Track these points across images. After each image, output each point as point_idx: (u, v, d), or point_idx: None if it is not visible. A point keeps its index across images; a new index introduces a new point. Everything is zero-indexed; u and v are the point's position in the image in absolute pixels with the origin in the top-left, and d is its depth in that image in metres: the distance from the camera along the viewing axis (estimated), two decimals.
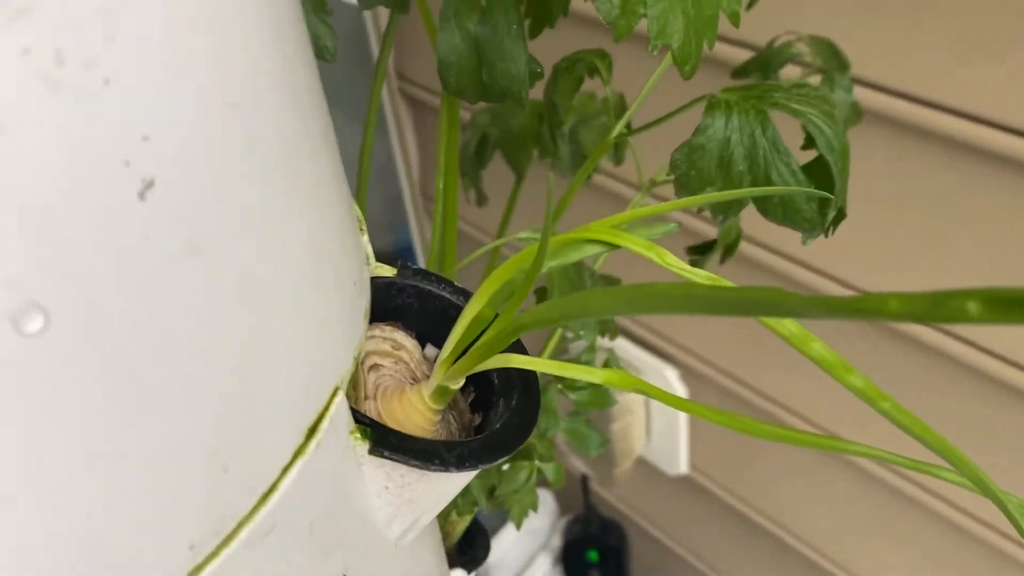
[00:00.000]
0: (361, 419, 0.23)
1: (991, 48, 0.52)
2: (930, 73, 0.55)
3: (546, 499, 1.17)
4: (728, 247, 0.46)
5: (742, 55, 0.65)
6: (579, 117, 0.49)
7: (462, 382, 0.26)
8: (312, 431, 0.21)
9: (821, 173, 0.32)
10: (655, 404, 0.96)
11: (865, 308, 0.15)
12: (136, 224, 0.15)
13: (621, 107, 0.45)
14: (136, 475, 0.17)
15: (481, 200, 0.62)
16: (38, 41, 0.13)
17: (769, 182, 0.32)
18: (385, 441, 0.23)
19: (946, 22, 0.54)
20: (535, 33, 0.35)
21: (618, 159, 0.52)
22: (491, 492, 0.43)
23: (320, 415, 0.21)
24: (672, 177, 0.33)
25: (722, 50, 0.66)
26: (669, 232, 0.25)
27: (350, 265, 0.23)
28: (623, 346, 0.93)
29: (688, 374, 0.90)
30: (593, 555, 1.08)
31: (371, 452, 0.23)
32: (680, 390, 0.92)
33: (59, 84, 0.14)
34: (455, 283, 0.29)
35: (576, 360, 0.44)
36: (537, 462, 0.43)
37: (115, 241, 0.15)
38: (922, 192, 0.59)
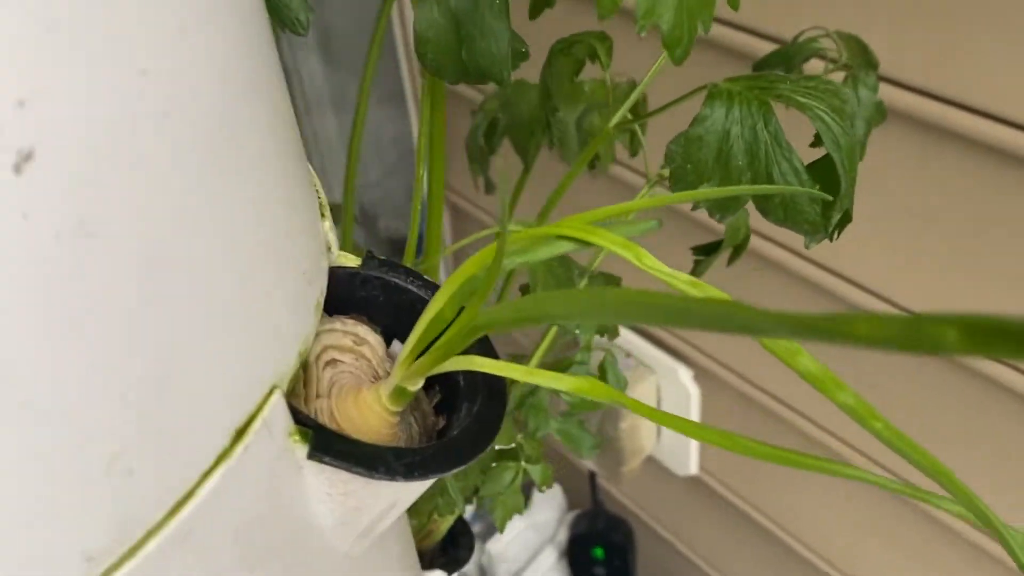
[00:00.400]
0: (304, 420, 0.22)
1: None
2: (971, 76, 0.53)
3: (554, 493, 1.16)
4: (736, 247, 0.43)
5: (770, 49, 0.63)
6: (589, 104, 0.47)
7: (421, 383, 0.24)
8: (240, 433, 0.19)
9: (827, 172, 0.30)
10: (666, 403, 0.94)
11: (833, 330, 0.13)
12: (11, 202, 0.14)
13: (628, 93, 0.43)
14: (17, 476, 0.15)
15: (489, 187, 0.60)
16: None
17: (770, 179, 0.30)
18: (326, 446, 0.21)
19: (994, 24, 0.51)
20: (535, 14, 0.33)
21: (633, 149, 0.50)
22: (475, 492, 0.42)
23: (251, 416, 0.20)
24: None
25: (750, 42, 0.63)
26: (650, 230, 0.23)
27: (296, 253, 0.21)
28: (637, 344, 0.91)
29: (702, 374, 0.88)
30: (599, 552, 1.06)
31: (310, 457, 0.21)
32: (694, 391, 0.90)
33: None
34: (424, 276, 0.27)
35: (570, 360, 0.42)
36: (524, 463, 0.41)
37: None
38: (957, 198, 0.56)
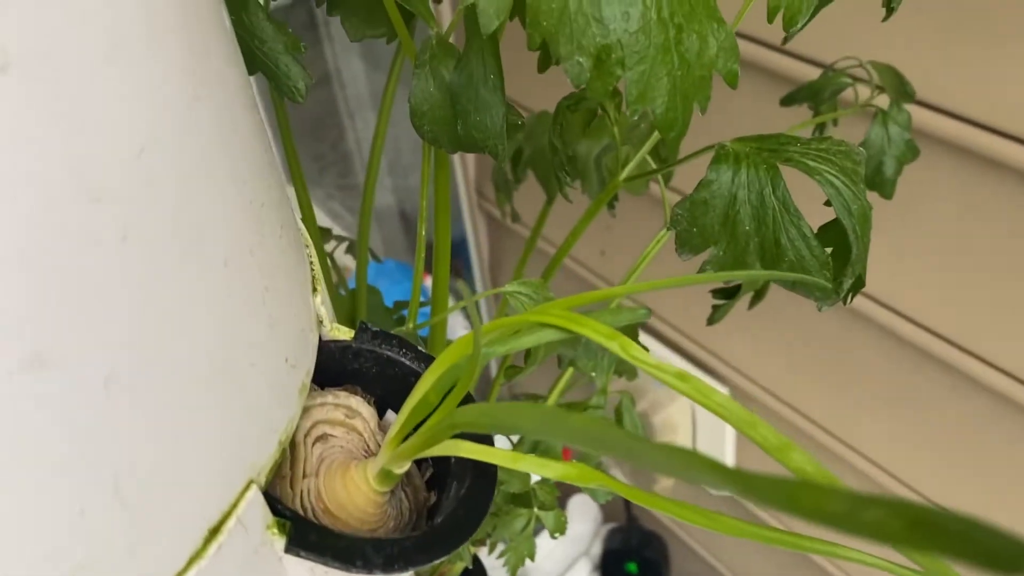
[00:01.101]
0: (281, 511, 0.22)
1: None
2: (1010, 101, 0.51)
3: (590, 505, 1.15)
4: (757, 292, 0.42)
5: (810, 72, 0.61)
6: (606, 143, 0.46)
7: (407, 466, 0.24)
8: (214, 532, 0.19)
9: (837, 237, 0.29)
10: (701, 420, 0.93)
11: (777, 497, 0.13)
12: None
13: (647, 135, 0.42)
14: None
15: (515, 217, 0.60)
16: None
17: (778, 245, 0.29)
18: (303, 539, 0.21)
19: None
20: (543, 67, 0.32)
21: (637, 189, 0.49)
22: (487, 536, 0.42)
23: (225, 515, 0.20)
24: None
25: (790, 65, 0.62)
26: (638, 319, 0.23)
27: (278, 342, 0.21)
28: (672, 361, 0.90)
29: (737, 393, 0.87)
30: (632, 567, 1.05)
31: (286, 551, 0.21)
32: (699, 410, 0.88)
33: None
34: (418, 348, 0.27)
35: (586, 403, 0.42)
36: (536, 510, 0.41)
37: None
38: (992, 225, 0.54)
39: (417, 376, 0.26)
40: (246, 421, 0.20)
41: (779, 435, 0.22)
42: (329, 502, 0.24)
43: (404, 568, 0.22)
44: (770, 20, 0.24)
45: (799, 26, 0.25)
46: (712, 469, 0.13)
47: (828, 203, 0.30)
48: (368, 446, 0.26)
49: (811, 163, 0.29)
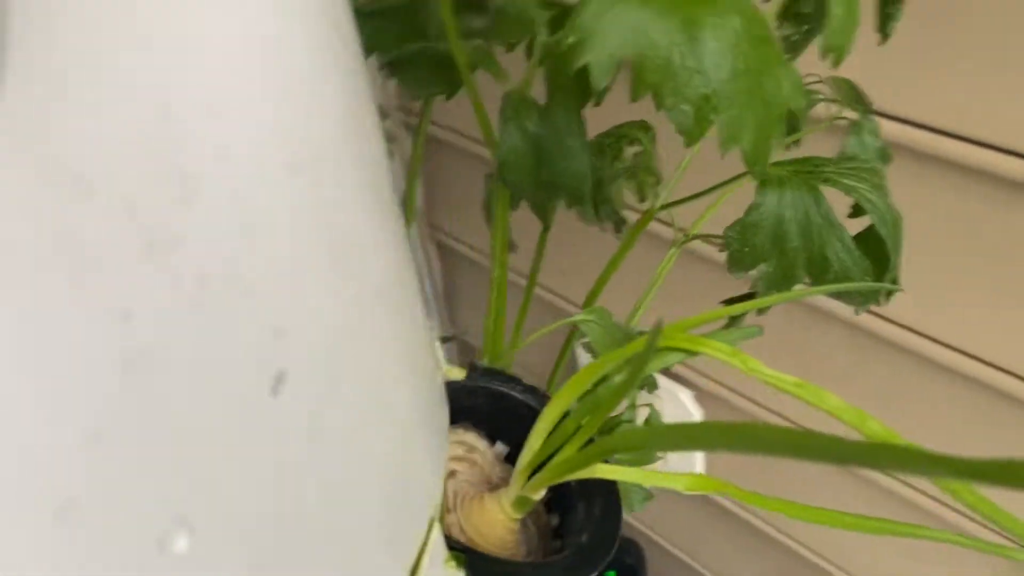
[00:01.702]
0: (453, 544, 0.23)
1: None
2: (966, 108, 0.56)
3: None
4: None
5: None
6: (613, 170, 0.49)
7: (544, 492, 0.26)
8: (413, 573, 0.21)
9: (875, 245, 0.32)
10: (671, 420, 0.96)
11: (1007, 475, 0.15)
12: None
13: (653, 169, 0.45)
14: None
15: (512, 246, 0.62)
16: (186, 266, 0.13)
17: (824, 257, 0.32)
18: (477, 569, 0.23)
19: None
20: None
21: (641, 198, 0.52)
22: None
23: (420, 553, 0.21)
24: (699, 232, 0.33)
25: None
26: (752, 336, 0.25)
27: (436, 391, 0.23)
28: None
29: (702, 395, 0.91)
30: (611, 574, 1.08)
31: None
32: (695, 412, 0.92)
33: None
34: (523, 381, 0.28)
35: (619, 418, 0.44)
36: None
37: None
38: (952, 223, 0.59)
39: (527, 407, 0.28)
40: (427, 459, 0.22)
41: (886, 427, 0.25)
42: (471, 533, 0.26)
43: None
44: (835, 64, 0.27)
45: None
46: (934, 460, 0.16)
47: (851, 215, 0.34)
48: (489, 477, 0.28)
49: (847, 181, 0.32)
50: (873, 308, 0.37)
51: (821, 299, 0.70)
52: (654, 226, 0.80)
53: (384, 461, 0.19)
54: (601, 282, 0.40)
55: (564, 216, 0.42)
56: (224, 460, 0.14)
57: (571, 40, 0.23)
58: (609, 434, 0.44)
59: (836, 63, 0.28)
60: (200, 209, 0.13)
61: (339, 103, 0.15)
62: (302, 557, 0.16)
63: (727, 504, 0.94)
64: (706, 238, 0.41)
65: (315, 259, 0.15)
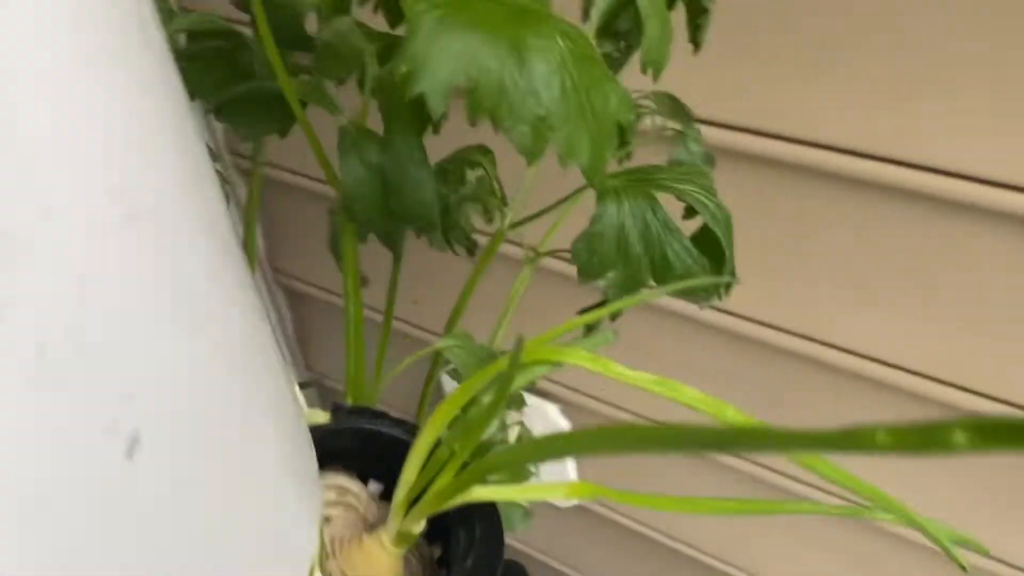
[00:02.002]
0: None
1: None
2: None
3: None
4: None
5: None
6: (458, 195, 0.49)
7: (423, 524, 0.25)
8: None
9: (710, 244, 0.34)
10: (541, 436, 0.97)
11: (852, 442, 0.16)
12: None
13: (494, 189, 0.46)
14: None
15: (364, 281, 0.61)
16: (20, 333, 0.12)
17: (666, 259, 0.33)
18: None
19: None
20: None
21: (489, 219, 0.53)
22: None
23: None
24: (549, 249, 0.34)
25: None
26: (608, 342, 0.26)
27: (301, 439, 0.22)
28: None
29: (569, 408, 0.92)
30: None
31: None
32: (564, 424, 0.93)
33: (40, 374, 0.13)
34: (390, 415, 0.28)
35: (492, 441, 0.44)
36: None
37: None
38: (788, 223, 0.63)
39: (398, 441, 0.28)
40: (301, 514, 0.21)
41: (744, 415, 0.26)
42: None
43: None
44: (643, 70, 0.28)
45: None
46: (785, 436, 0.17)
47: (685, 217, 0.35)
48: (365, 517, 0.27)
49: (679, 186, 0.33)
50: (717, 304, 0.39)
51: (670, 300, 0.73)
52: (506, 247, 0.81)
53: (254, 513, 0.18)
54: (459, 308, 0.40)
55: (415, 245, 0.42)
56: (86, 526, 0.13)
57: (404, 70, 0.23)
58: (482, 456, 0.44)
59: (656, 76, 0.29)
60: (29, 271, 0.12)
61: (171, 150, 0.15)
62: None
63: (604, 512, 0.96)
64: (555, 253, 0.42)
65: (160, 315, 0.15)
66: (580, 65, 0.26)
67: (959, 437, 0.15)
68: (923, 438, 0.15)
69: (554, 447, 0.21)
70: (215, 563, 0.16)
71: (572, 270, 0.34)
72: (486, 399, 0.24)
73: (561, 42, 0.25)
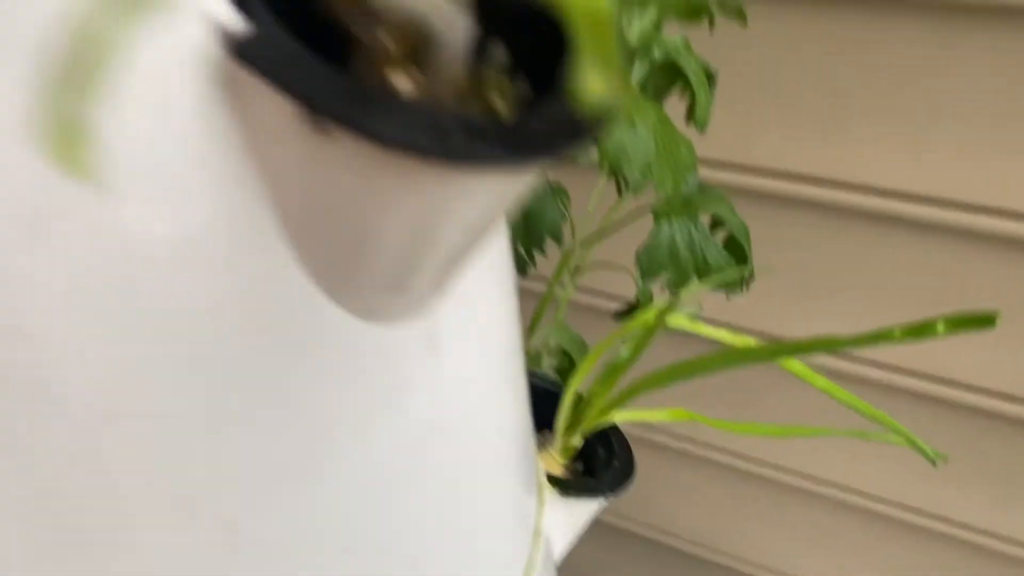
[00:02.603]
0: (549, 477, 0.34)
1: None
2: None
3: None
4: (644, 306, 0.60)
5: None
6: None
7: (580, 440, 0.37)
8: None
9: (736, 250, 0.47)
10: None
11: (876, 338, 0.29)
12: None
13: None
14: None
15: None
16: None
17: (706, 261, 0.46)
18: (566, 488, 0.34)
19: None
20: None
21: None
22: None
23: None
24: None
25: None
26: (694, 313, 0.39)
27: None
28: None
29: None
30: None
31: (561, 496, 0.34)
32: None
33: None
34: (538, 372, 0.40)
35: None
36: None
37: None
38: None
39: (545, 391, 0.40)
40: (533, 484, 0.33)
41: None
42: None
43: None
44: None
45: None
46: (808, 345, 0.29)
47: (712, 227, 0.48)
48: None
49: (710, 206, 0.46)
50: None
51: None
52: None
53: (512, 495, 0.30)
54: (539, 312, 0.52)
55: None
56: None
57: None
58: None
59: (702, 130, 0.43)
60: None
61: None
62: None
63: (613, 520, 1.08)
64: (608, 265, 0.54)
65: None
66: (663, 128, 0.38)
67: (940, 326, 0.28)
68: (919, 330, 0.28)
69: (679, 371, 0.34)
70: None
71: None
72: (623, 352, 0.37)
73: (653, 115, 0.38)
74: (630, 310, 0.60)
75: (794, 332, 0.74)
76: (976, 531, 0.76)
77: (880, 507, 0.79)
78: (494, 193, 0.14)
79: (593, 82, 0.11)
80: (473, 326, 0.22)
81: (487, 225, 0.15)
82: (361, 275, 0.15)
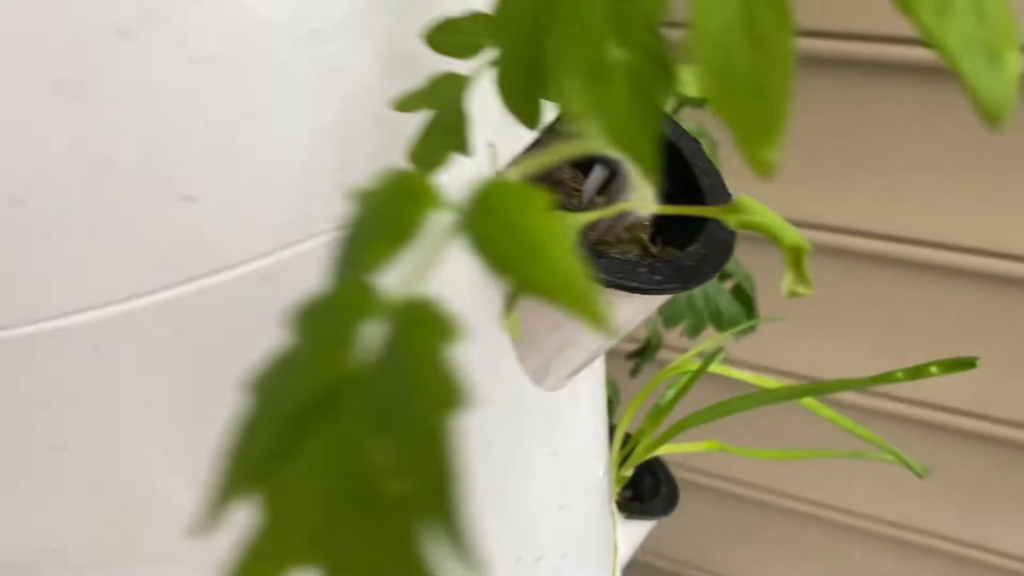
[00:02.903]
0: None
1: None
2: None
3: None
4: (654, 347, 0.67)
5: None
6: None
7: (630, 471, 0.44)
8: None
9: (742, 297, 0.54)
10: None
11: (880, 380, 0.36)
12: None
13: None
14: None
15: None
16: None
17: (719, 310, 0.54)
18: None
19: None
20: None
21: None
22: None
23: None
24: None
25: None
26: (720, 358, 0.46)
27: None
28: None
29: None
30: None
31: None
32: None
33: None
34: None
35: None
36: None
37: None
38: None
39: None
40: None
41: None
42: None
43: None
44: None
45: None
46: (824, 387, 0.37)
47: (721, 279, 0.56)
48: None
49: None
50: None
51: None
52: None
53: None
54: None
55: None
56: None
57: None
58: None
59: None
60: None
61: None
62: None
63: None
64: None
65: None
66: None
67: (934, 368, 0.35)
68: (916, 372, 0.36)
69: (717, 411, 0.41)
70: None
71: None
72: (669, 393, 0.43)
73: None
74: (643, 350, 0.67)
75: (792, 367, 0.81)
76: (946, 539, 0.83)
77: (861, 523, 0.86)
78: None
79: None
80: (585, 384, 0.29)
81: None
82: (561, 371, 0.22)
